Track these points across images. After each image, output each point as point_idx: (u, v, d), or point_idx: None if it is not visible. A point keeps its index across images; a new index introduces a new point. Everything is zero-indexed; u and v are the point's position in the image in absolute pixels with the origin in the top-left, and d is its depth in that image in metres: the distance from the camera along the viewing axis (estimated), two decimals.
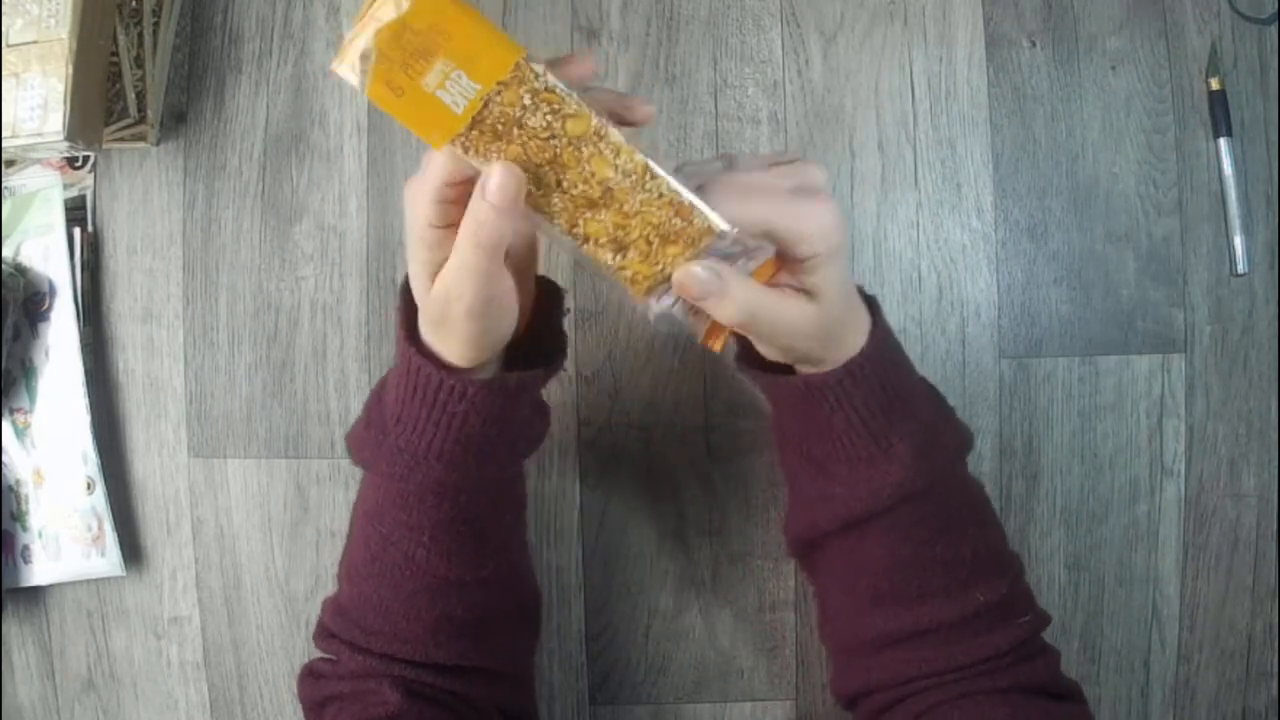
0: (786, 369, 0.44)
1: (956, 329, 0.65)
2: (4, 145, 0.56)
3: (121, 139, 0.64)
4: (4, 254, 0.65)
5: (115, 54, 0.62)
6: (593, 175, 0.37)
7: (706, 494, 0.65)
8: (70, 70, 0.56)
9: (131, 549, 0.66)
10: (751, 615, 0.65)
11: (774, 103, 0.65)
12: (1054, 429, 0.64)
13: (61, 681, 0.67)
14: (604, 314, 0.65)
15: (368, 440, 0.44)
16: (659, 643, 0.65)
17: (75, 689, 0.67)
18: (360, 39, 0.35)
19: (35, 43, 0.56)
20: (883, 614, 0.44)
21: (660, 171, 0.37)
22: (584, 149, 0.36)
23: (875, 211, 0.65)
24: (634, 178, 0.37)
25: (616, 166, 0.36)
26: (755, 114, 0.65)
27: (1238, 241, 0.63)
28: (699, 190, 0.37)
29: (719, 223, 0.37)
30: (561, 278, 0.65)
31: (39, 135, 0.56)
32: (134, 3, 0.63)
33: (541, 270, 0.46)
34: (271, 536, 0.66)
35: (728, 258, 0.38)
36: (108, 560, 0.65)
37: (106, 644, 0.67)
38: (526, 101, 0.35)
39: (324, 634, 0.47)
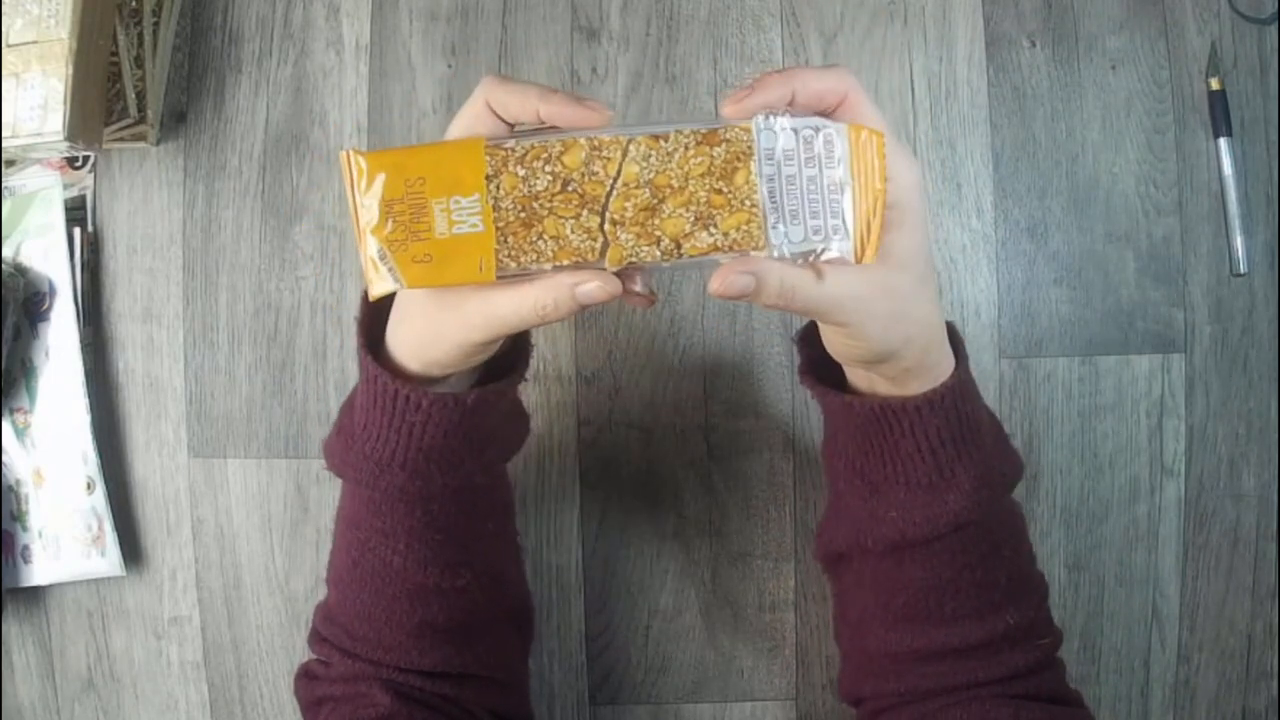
0: (841, 378, 0.43)
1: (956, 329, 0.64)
2: (4, 145, 0.56)
3: (121, 139, 0.64)
4: (4, 254, 0.65)
5: (115, 54, 0.62)
6: (626, 184, 0.34)
7: (706, 494, 0.65)
8: (70, 70, 0.56)
9: (131, 549, 0.66)
10: (751, 615, 0.65)
11: None
12: (1054, 429, 0.64)
13: (61, 681, 0.67)
14: (604, 314, 0.65)
15: (338, 448, 0.44)
16: (659, 643, 0.65)
17: (75, 689, 0.67)
18: (369, 249, 0.34)
19: (35, 43, 0.56)
20: (912, 630, 0.44)
21: (667, 128, 0.34)
22: (597, 168, 0.34)
23: None
24: (656, 154, 0.34)
25: (633, 157, 0.34)
26: None
27: (1238, 241, 0.63)
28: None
29: (747, 126, 0.34)
30: None
31: (39, 135, 0.56)
32: (134, 3, 0.63)
33: None
34: (271, 536, 0.66)
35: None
36: (108, 560, 0.65)
37: (106, 644, 0.67)
38: (521, 173, 0.34)
39: (316, 638, 0.47)
